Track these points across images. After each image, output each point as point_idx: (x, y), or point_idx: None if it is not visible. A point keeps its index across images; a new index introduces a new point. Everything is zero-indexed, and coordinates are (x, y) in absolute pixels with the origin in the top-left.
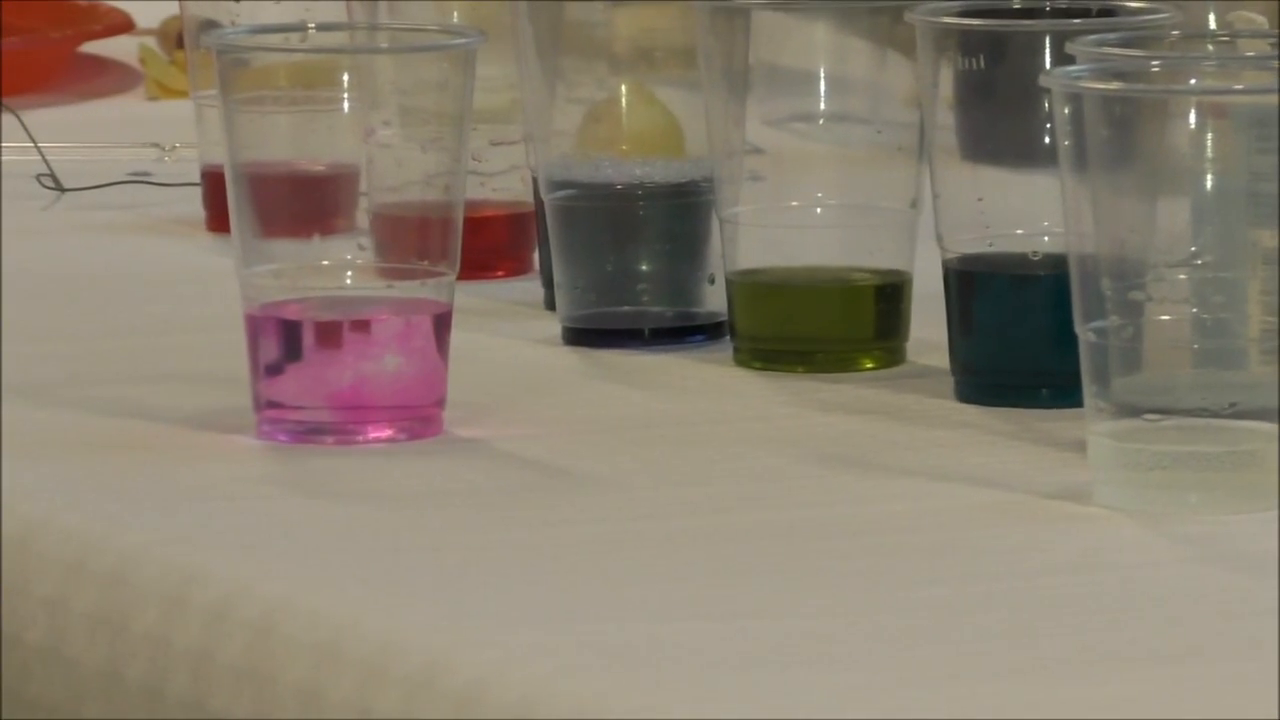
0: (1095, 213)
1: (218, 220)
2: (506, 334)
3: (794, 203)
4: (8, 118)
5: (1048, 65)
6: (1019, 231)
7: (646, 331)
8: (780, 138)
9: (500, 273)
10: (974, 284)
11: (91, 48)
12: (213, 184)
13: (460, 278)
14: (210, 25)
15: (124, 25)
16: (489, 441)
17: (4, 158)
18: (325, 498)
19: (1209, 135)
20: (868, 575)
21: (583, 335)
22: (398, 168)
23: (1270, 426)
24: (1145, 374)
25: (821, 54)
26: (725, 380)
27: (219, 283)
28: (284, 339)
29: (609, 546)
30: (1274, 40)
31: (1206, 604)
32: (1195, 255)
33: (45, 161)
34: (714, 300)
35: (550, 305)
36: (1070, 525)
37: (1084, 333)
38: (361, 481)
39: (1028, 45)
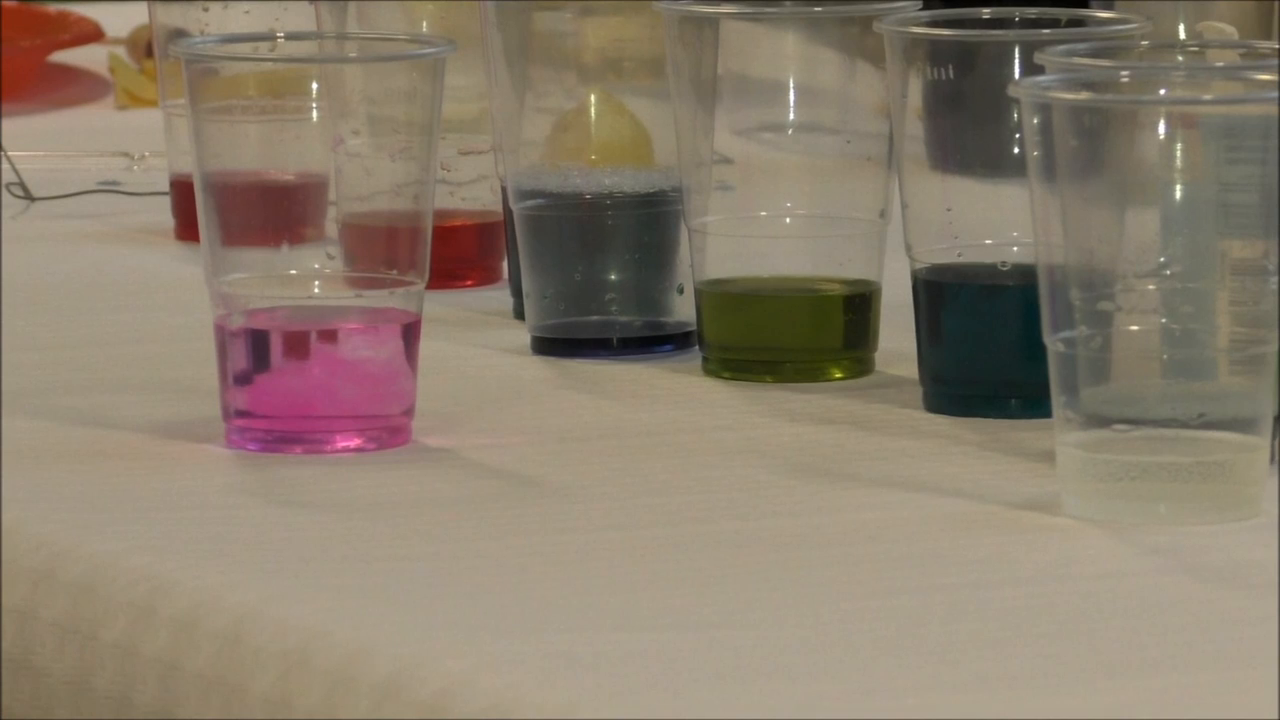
0: (1064, 223)
1: (187, 229)
2: (475, 343)
3: (763, 212)
4: None
5: (1017, 75)
6: (988, 242)
7: (615, 341)
8: (749, 147)
9: (469, 282)
10: (943, 294)
11: (61, 57)
12: (182, 193)
13: (429, 287)
14: (179, 34)
15: (93, 34)
16: (458, 451)
17: None
18: (294, 507)
19: (1178, 146)
20: (836, 585)
21: (552, 344)
22: (366, 177)
23: (1239, 437)
24: (1114, 384)
25: (790, 64)
26: (694, 390)
27: (188, 292)
28: (253, 348)
29: (578, 556)
30: (1243, 51)
31: (1175, 614)
32: (1164, 266)
33: (14, 170)
34: (683, 310)
35: (519, 314)
36: (1039, 535)
37: (1053, 343)
38: (330, 491)
39: (997, 55)
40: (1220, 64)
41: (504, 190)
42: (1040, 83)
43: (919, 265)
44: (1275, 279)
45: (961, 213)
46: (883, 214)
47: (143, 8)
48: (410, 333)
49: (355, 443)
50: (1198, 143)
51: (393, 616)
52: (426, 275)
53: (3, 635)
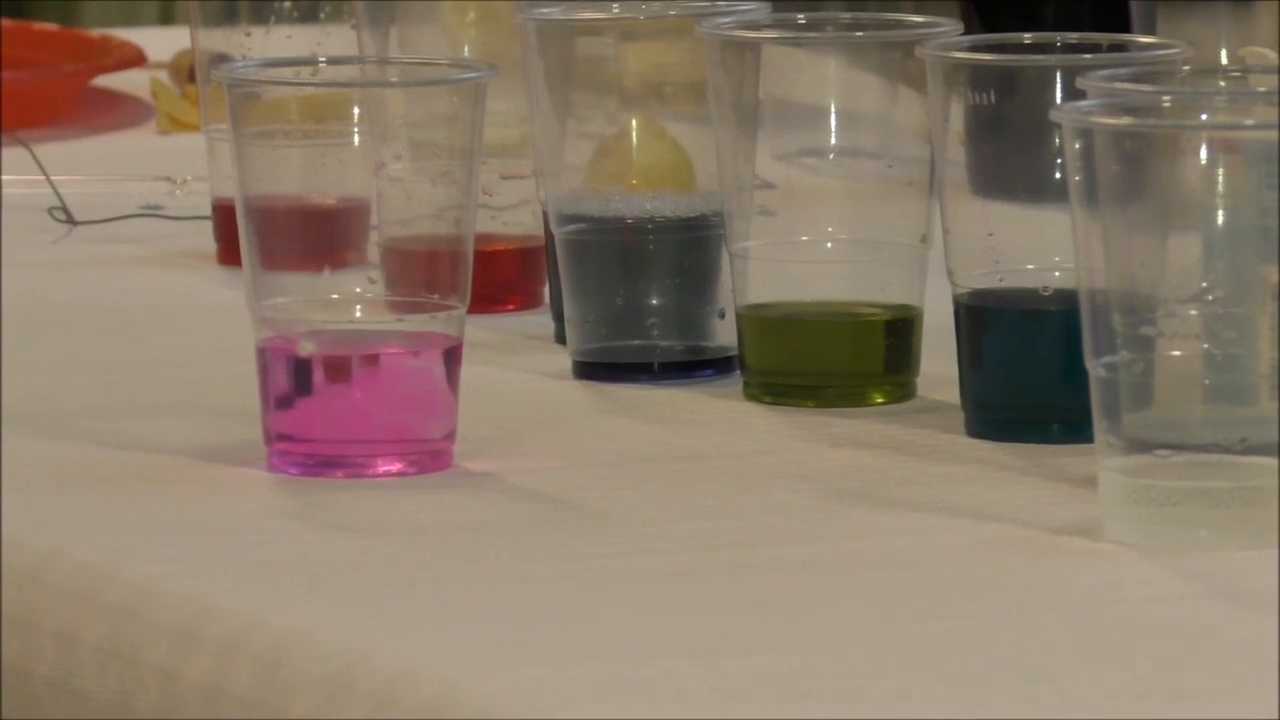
0: (1106, 248)
1: (229, 253)
2: (516, 368)
3: (804, 237)
4: (20, 151)
5: (1058, 100)
6: (1029, 266)
7: (656, 365)
8: (790, 172)
9: (510, 306)
10: (984, 319)
11: (104, 81)
12: (224, 217)
13: (470, 311)
14: (222, 59)
15: (136, 59)
16: (499, 475)
17: (17, 191)
18: (335, 531)
19: (1220, 170)
20: (877, 610)
21: (593, 369)
22: (408, 201)
23: None
24: (1156, 409)
25: (832, 89)
26: (735, 414)
27: (229, 316)
28: (294, 372)
29: (618, 580)
30: None
31: (1216, 639)
32: (1206, 290)
33: (57, 195)
34: (724, 334)
35: (560, 339)
36: (1081, 561)
37: (1095, 368)
38: (371, 515)
39: (1038, 80)
40: (1262, 89)
41: (545, 215)
42: (1082, 108)
43: (960, 290)
44: None
45: (1003, 237)
46: (924, 239)
47: (185, 32)
48: (451, 357)
49: (396, 467)
50: (1240, 168)
51: (434, 640)
52: (468, 300)
53: (45, 658)
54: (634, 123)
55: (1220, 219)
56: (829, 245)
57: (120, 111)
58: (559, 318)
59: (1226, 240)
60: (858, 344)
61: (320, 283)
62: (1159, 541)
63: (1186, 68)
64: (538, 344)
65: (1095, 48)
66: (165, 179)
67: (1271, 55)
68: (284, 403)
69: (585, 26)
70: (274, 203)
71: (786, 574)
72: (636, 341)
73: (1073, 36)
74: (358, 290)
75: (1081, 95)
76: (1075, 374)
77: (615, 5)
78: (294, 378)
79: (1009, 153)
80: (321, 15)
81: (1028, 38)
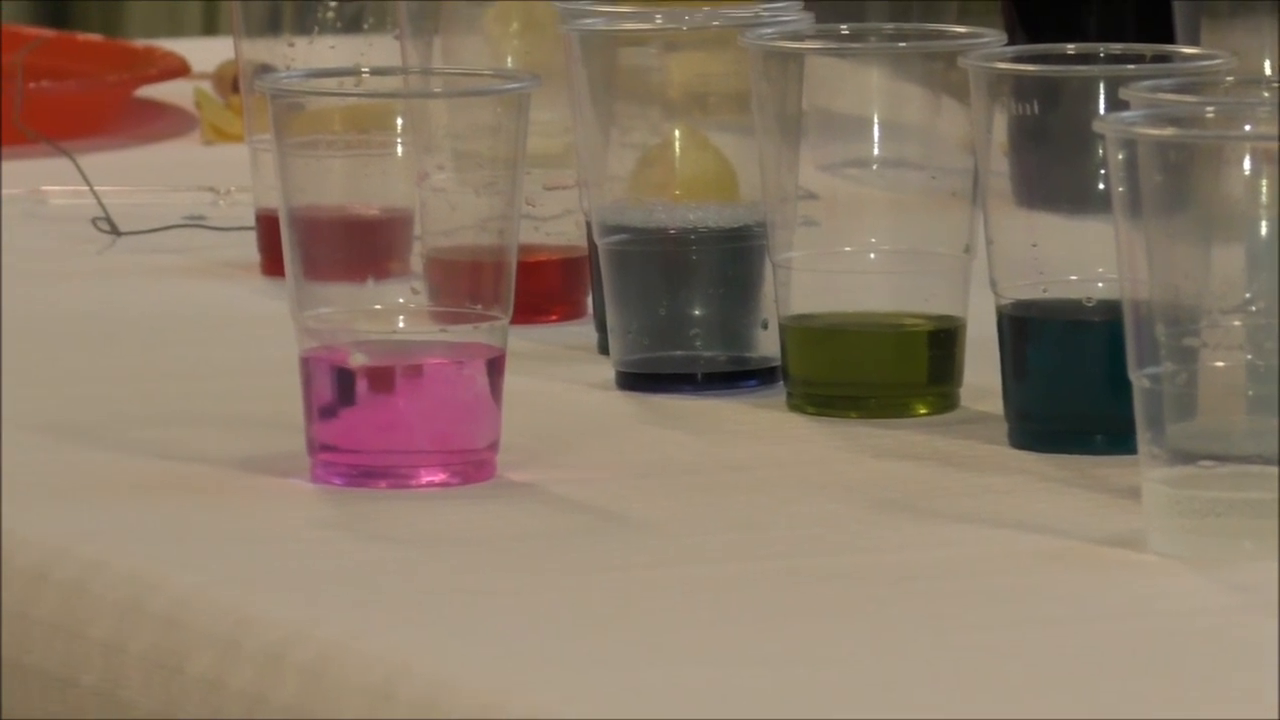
0: (1149, 258)
1: (272, 264)
2: (560, 378)
3: (847, 248)
4: (64, 161)
5: (1102, 111)
6: (1073, 277)
7: (699, 376)
8: (834, 183)
9: (554, 317)
10: (1028, 330)
11: (147, 92)
12: (267, 228)
13: (513, 322)
14: (265, 69)
15: (180, 69)
16: (542, 485)
17: (62, 201)
18: (379, 541)
19: (1263, 181)
20: (920, 621)
21: (636, 380)
22: (451, 212)
23: None
24: (1200, 420)
25: (875, 99)
26: (778, 425)
27: (273, 326)
28: (338, 382)
29: (661, 591)
30: None
31: (1261, 651)
32: (1250, 301)
33: (101, 205)
34: (767, 345)
35: (603, 349)
36: (1124, 572)
37: (1138, 379)
38: (414, 525)
39: (1082, 91)
40: None
41: (589, 225)
42: (1125, 118)
43: (1004, 300)
44: None
45: (1046, 248)
46: (967, 249)
47: (229, 43)
48: (495, 367)
49: (440, 477)
50: None
51: (477, 651)
52: (511, 310)
53: (91, 668)
54: (677, 133)
55: (1264, 229)
56: (872, 256)
57: (164, 122)
58: (602, 328)
59: (1270, 251)
60: (901, 355)
61: (363, 293)
62: (1203, 553)
63: (1230, 78)
64: (581, 354)
65: (1139, 58)
66: (209, 189)
67: None
68: (328, 413)
69: (629, 37)
70: (317, 213)
71: (830, 584)
72: (680, 352)
73: (1116, 47)
74: (401, 301)
75: (1125, 106)
76: (1119, 385)
77: (659, 15)
78: (337, 388)
79: (1052, 163)
80: (365, 25)
81: (1071, 48)
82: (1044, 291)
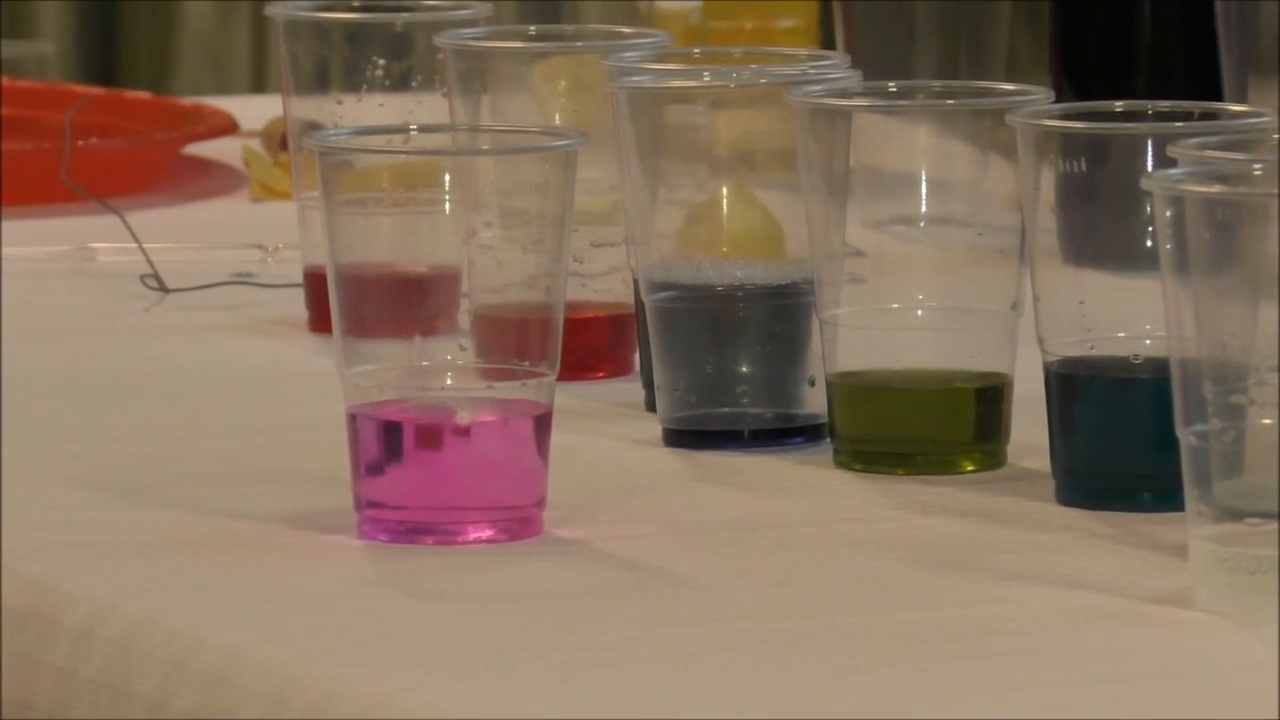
0: (1197, 316)
1: (320, 321)
2: (606, 435)
3: (894, 305)
4: (113, 218)
5: (1150, 168)
6: (1120, 334)
7: (746, 433)
8: (881, 240)
9: (600, 374)
10: (1075, 387)
11: (196, 149)
12: (315, 285)
13: (560, 378)
14: (313, 127)
15: (228, 127)
16: (589, 542)
17: (110, 259)
18: (425, 598)
19: None
20: (968, 678)
21: (683, 436)
22: (499, 269)
23: None
24: (1247, 478)
25: (922, 156)
26: (825, 482)
27: (320, 383)
28: (385, 439)
29: (707, 648)
30: None
31: None
32: None
33: (149, 262)
34: (814, 402)
35: (650, 406)
36: (1172, 629)
37: (1185, 436)
38: (461, 582)
39: (1129, 148)
40: None
41: (636, 282)
42: (1173, 175)
43: (1051, 358)
44: None
45: (1094, 305)
46: (1014, 306)
47: (277, 100)
48: (542, 424)
49: (487, 534)
50: None
51: (522, 708)
52: (558, 367)
53: None
54: (724, 190)
55: None
56: (919, 313)
57: (212, 179)
58: (649, 385)
59: None
60: (948, 412)
61: (410, 350)
62: (1250, 610)
63: (1277, 136)
64: (628, 411)
65: (1186, 116)
66: (257, 246)
67: None
68: (374, 469)
69: (676, 94)
70: (365, 270)
71: (876, 642)
72: (727, 409)
73: (1164, 104)
74: (448, 358)
75: (1172, 163)
76: (1166, 442)
77: (706, 73)
78: (384, 444)
79: (1100, 220)
80: (413, 83)
81: (1119, 106)
82: (1091, 349)
